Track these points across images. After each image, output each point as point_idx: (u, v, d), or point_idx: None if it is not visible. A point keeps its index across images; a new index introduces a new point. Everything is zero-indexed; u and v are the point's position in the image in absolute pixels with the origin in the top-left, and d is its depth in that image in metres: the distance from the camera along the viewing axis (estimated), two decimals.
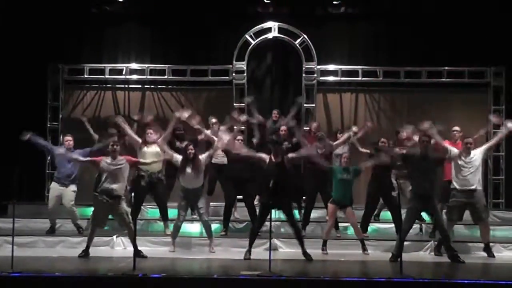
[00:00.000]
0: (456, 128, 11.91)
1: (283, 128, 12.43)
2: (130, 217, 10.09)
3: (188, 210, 10.91)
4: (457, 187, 10.44)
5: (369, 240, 11.04)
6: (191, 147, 10.61)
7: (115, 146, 10.20)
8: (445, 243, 10.28)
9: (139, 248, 9.67)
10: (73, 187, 11.60)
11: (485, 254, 10.60)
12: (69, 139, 11.67)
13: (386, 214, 11.82)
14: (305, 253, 10.16)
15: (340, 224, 11.65)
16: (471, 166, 10.42)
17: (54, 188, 11.62)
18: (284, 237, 11.21)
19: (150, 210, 12.51)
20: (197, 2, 14.44)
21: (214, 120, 12.54)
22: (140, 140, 11.32)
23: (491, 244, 10.79)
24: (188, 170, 10.52)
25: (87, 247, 10.14)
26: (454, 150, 10.57)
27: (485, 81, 14.42)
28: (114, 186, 10.01)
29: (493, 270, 9.70)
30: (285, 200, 10.21)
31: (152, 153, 11.23)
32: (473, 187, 10.40)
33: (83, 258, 9.98)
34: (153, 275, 8.51)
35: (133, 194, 10.38)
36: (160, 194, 11.44)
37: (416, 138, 10.82)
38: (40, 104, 14.23)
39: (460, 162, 10.43)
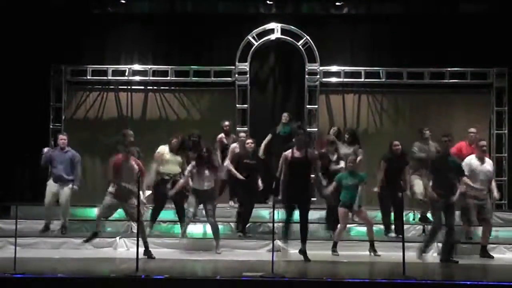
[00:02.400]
0: (473, 129, 11.90)
1: (248, 141, 12.36)
2: (140, 213, 10.15)
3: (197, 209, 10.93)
4: (471, 193, 10.44)
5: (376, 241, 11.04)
6: (205, 149, 10.75)
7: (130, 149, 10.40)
8: (447, 246, 10.24)
9: (141, 249, 9.65)
10: (70, 185, 11.58)
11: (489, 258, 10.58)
12: (63, 138, 11.73)
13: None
14: (302, 251, 10.15)
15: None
16: (484, 172, 10.50)
17: (50, 184, 11.61)
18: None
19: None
20: (199, 3, 14.45)
21: (227, 123, 12.66)
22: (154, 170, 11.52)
23: (493, 245, 10.81)
24: (202, 171, 10.61)
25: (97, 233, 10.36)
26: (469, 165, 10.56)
27: (487, 82, 14.40)
28: (128, 183, 10.10)
29: (495, 271, 9.69)
30: (305, 197, 10.21)
31: (174, 161, 11.54)
32: (484, 193, 10.47)
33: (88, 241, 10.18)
34: (156, 276, 8.51)
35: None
36: (180, 196, 11.44)
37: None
38: (42, 105, 14.23)
39: (474, 167, 10.46)
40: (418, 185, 11.70)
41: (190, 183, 10.86)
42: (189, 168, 10.89)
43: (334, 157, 11.62)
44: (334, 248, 10.74)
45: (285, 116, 13.26)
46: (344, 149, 12.34)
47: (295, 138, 10.47)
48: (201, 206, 10.87)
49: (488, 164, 10.67)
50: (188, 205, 10.86)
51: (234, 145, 12.33)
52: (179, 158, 11.63)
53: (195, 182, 10.74)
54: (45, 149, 11.65)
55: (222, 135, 13.00)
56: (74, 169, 11.60)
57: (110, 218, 10.86)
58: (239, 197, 11.79)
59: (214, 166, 10.89)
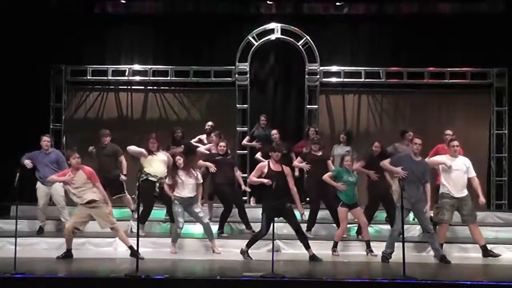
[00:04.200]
0: (449, 131, 11.86)
1: (273, 132, 12.46)
2: (113, 218, 10.30)
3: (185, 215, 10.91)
4: (446, 192, 10.42)
5: (371, 242, 11.03)
6: (178, 157, 10.82)
7: (74, 159, 10.16)
8: (432, 244, 10.26)
9: (140, 249, 9.64)
10: (59, 183, 11.49)
11: (495, 257, 10.54)
12: (46, 140, 11.72)
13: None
14: (313, 256, 10.15)
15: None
16: (458, 171, 10.42)
17: (40, 187, 11.61)
18: (286, 238, 11.19)
19: (153, 212, 12.46)
20: (199, 3, 14.44)
21: (210, 123, 12.72)
22: (143, 150, 11.50)
23: (493, 245, 10.80)
24: (183, 179, 10.64)
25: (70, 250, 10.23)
26: (444, 163, 10.49)
27: (487, 82, 14.40)
28: (85, 195, 10.09)
29: (495, 271, 9.68)
30: (286, 207, 10.15)
31: (159, 160, 11.47)
32: (462, 195, 10.40)
33: (63, 259, 10.01)
34: (156, 276, 8.51)
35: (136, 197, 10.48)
36: (168, 197, 11.46)
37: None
38: (43, 105, 14.24)
39: (448, 167, 10.40)
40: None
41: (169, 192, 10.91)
42: (174, 175, 10.83)
43: (319, 153, 11.61)
44: (334, 248, 10.74)
45: (263, 119, 13.26)
46: (339, 149, 12.36)
47: (273, 156, 10.30)
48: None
49: (463, 163, 10.52)
50: (175, 215, 10.79)
51: (208, 146, 12.35)
52: (164, 157, 11.56)
53: (179, 190, 10.70)
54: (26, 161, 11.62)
55: (204, 135, 12.94)
56: (61, 170, 11.47)
57: None
58: (223, 198, 11.73)
59: (195, 172, 10.85)
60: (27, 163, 11.48)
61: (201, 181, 10.92)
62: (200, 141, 12.84)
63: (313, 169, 11.45)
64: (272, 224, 9.44)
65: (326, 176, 10.87)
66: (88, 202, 10.07)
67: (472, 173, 10.57)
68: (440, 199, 10.48)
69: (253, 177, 10.24)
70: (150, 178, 11.37)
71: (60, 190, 11.51)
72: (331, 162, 11.95)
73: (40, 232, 11.57)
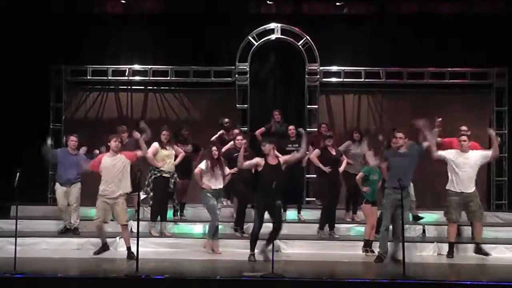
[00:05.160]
0: (464, 127, 11.86)
1: (291, 127, 12.46)
2: (127, 215, 10.37)
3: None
4: (453, 190, 10.45)
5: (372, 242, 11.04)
6: (215, 148, 10.82)
7: (115, 142, 10.23)
8: (394, 245, 10.05)
9: (140, 249, 9.65)
10: (78, 185, 11.60)
11: (484, 256, 10.52)
12: (73, 140, 11.66)
13: None
14: (263, 251, 10.01)
15: (343, 225, 11.72)
16: (466, 166, 10.45)
17: (60, 188, 11.58)
18: (286, 238, 11.19)
19: None
20: (200, 3, 14.44)
21: (227, 120, 12.78)
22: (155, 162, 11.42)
23: (493, 245, 10.80)
24: (217, 170, 10.70)
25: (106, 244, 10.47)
26: (447, 155, 10.55)
27: (488, 82, 14.41)
28: (114, 185, 10.14)
29: (495, 271, 9.69)
30: (275, 203, 10.07)
31: (171, 155, 11.48)
32: (469, 191, 10.41)
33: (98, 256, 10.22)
34: (156, 276, 8.53)
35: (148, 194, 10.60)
36: (182, 192, 11.55)
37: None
38: (43, 105, 14.23)
39: (455, 163, 10.44)
40: None
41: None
42: (202, 167, 10.78)
43: (334, 153, 11.65)
44: (366, 248, 10.75)
45: (277, 114, 13.22)
46: (357, 149, 12.26)
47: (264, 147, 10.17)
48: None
49: (474, 157, 10.54)
50: (212, 209, 10.68)
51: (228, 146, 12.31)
52: (173, 152, 11.57)
53: (212, 182, 10.72)
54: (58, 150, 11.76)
55: (222, 131, 12.90)
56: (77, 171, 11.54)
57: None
58: (240, 196, 11.72)
59: (223, 164, 10.93)
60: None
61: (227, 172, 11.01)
62: (220, 137, 12.73)
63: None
64: (272, 224, 9.46)
65: (358, 178, 10.85)
66: (116, 197, 10.15)
67: (487, 157, 10.63)
68: (447, 197, 10.52)
69: (245, 162, 10.13)
70: (164, 175, 11.38)
71: (78, 191, 11.56)
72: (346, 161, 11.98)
73: (64, 232, 11.54)
